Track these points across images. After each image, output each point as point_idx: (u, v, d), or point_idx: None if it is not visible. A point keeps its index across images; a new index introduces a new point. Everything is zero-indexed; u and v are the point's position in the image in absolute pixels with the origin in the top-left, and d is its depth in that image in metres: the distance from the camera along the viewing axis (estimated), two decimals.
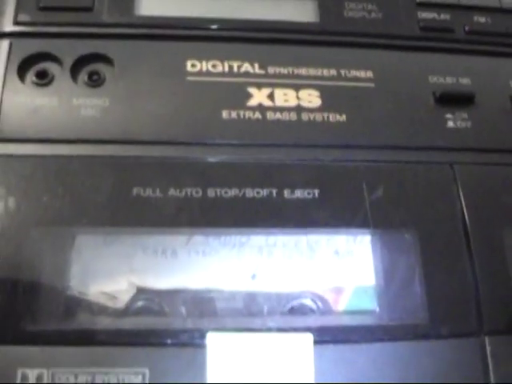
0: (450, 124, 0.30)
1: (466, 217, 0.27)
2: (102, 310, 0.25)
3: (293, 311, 0.26)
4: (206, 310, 0.25)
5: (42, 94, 0.28)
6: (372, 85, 0.30)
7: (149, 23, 0.30)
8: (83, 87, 0.28)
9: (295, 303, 0.26)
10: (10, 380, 0.23)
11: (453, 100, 0.30)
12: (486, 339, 0.26)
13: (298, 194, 0.27)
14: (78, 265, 0.26)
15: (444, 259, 0.27)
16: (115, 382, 0.23)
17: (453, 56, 0.32)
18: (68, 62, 0.29)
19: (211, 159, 0.27)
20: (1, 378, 0.23)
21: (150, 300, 0.26)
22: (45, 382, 0.23)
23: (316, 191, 0.27)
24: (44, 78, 0.28)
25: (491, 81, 0.31)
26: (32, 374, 0.23)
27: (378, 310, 0.26)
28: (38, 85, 0.28)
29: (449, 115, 0.30)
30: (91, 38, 0.29)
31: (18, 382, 0.23)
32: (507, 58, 0.32)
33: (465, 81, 0.31)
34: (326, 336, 0.25)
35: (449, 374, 0.25)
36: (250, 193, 0.26)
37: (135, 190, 0.26)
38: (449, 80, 0.31)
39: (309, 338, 0.24)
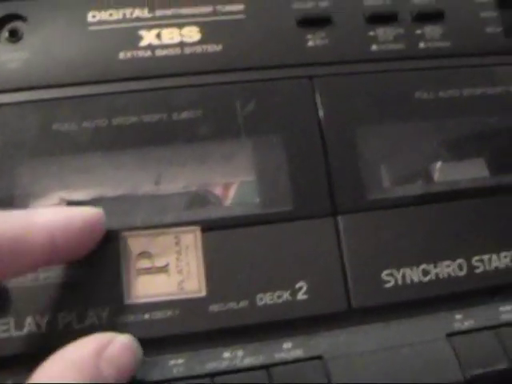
0: (310, 43, 0.34)
1: (322, 120, 0.32)
2: None
3: (189, 207, 0.32)
4: (120, 212, 0.32)
5: None
6: (243, 16, 0.34)
7: None
8: (6, 44, 0.33)
9: (191, 201, 0.33)
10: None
11: (312, 22, 0.34)
12: (339, 218, 0.32)
13: (185, 115, 0.32)
14: (21, 188, 0.32)
15: (304, 157, 0.32)
16: None
17: None
18: None
19: (113, 94, 0.32)
20: None
21: None
22: None
23: (199, 112, 0.32)
24: None
25: (347, 1, 0.35)
26: None
27: (257, 200, 0.32)
28: None
29: (309, 36, 0.34)
30: (6, 0, 0.34)
31: None
32: None
33: (324, 4, 0.35)
34: (215, 224, 0.31)
35: (310, 250, 0.31)
36: (146, 118, 0.32)
37: (54, 126, 0.32)
38: (309, 4, 0.35)
39: (197, 229, 0.31)
